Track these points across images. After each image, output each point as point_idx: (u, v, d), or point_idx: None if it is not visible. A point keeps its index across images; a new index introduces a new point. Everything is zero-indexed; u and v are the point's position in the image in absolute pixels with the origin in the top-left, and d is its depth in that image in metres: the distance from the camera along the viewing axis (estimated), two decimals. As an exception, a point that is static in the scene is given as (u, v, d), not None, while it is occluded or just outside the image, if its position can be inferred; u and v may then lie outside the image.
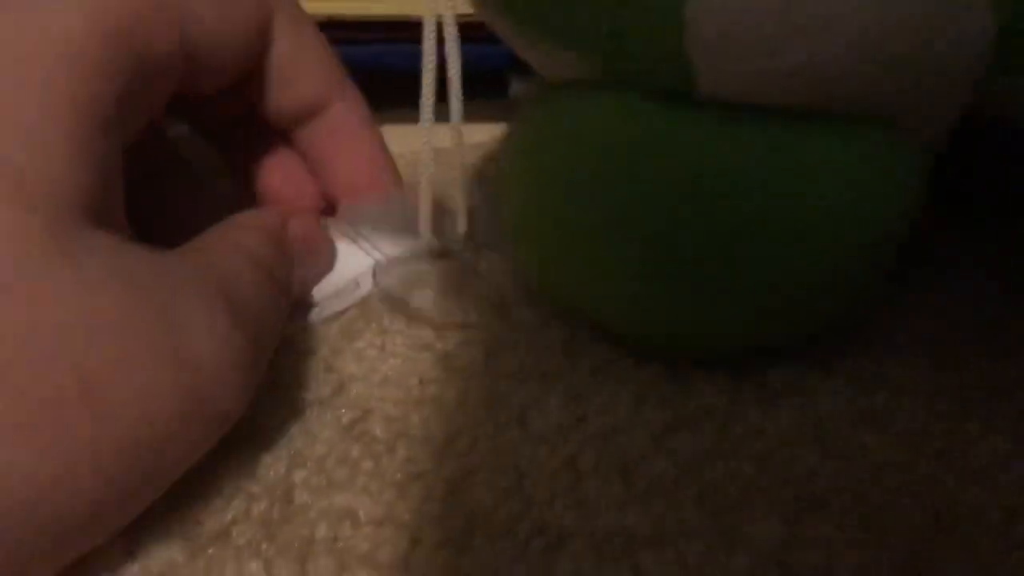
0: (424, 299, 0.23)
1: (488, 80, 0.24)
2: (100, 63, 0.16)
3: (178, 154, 0.25)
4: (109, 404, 0.14)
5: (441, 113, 0.22)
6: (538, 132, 0.18)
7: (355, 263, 0.24)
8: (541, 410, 0.19)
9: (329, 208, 0.25)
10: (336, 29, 0.26)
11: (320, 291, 0.23)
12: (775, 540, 0.16)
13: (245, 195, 0.25)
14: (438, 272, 0.23)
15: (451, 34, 0.20)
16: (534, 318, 0.22)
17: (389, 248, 0.24)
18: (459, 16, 0.26)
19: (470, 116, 0.22)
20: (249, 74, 0.22)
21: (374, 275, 0.23)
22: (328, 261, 0.24)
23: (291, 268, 0.21)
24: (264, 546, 0.16)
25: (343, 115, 0.24)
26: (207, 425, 0.16)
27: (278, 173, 0.25)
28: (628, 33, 0.16)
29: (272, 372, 0.21)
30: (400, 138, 0.26)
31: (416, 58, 0.25)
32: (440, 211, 0.23)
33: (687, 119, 0.16)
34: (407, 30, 0.27)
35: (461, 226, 0.23)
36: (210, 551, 0.16)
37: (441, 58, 0.24)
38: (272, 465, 0.18)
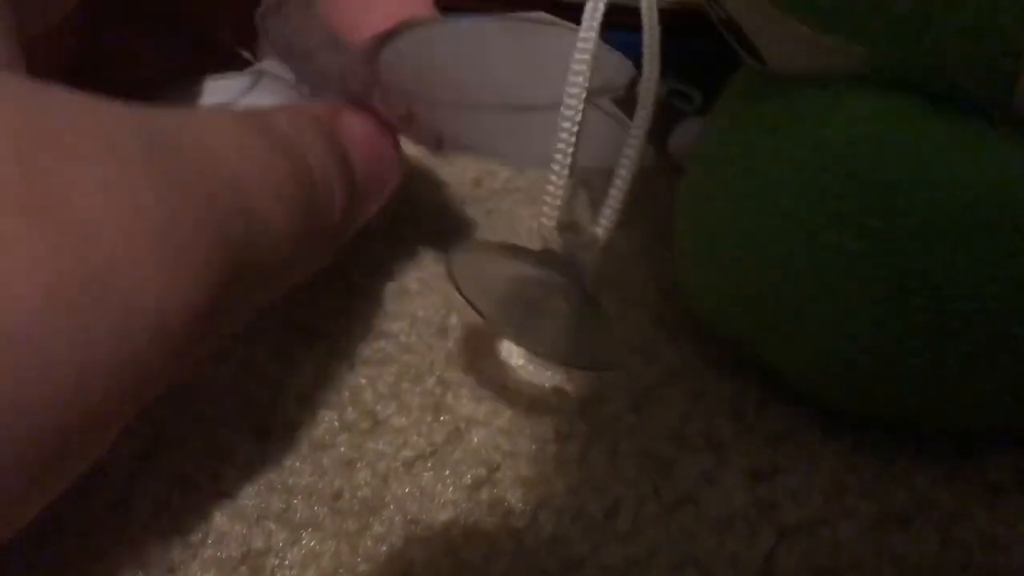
0: (548, 332, 0.18)
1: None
2: None
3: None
4: None
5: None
6: (760, 130, 0.15)
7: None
8: (716, 487, 0.15)
9: None
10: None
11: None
12: None
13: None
14: (560, 289, 0.17)
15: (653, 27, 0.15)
16: (693, 360, 0.18)
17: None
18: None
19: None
20: None
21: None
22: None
23: (342, 171, 0.15)
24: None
25: None
26: (106, 324, 0.11)
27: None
28: (932, 23, 0.12)
29: (351, 394, 0.17)
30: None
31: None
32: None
33: (981, 136, 0.13)
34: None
35: (605, 221, 0.16)
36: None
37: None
38: (383, 536, 0.14)
